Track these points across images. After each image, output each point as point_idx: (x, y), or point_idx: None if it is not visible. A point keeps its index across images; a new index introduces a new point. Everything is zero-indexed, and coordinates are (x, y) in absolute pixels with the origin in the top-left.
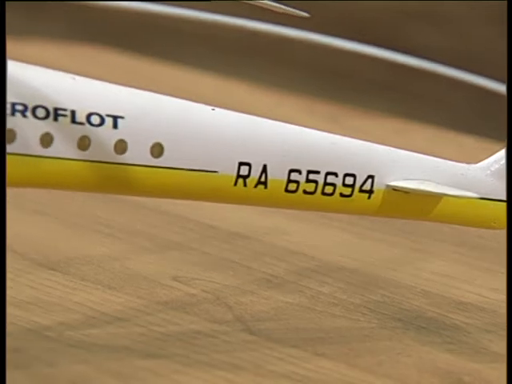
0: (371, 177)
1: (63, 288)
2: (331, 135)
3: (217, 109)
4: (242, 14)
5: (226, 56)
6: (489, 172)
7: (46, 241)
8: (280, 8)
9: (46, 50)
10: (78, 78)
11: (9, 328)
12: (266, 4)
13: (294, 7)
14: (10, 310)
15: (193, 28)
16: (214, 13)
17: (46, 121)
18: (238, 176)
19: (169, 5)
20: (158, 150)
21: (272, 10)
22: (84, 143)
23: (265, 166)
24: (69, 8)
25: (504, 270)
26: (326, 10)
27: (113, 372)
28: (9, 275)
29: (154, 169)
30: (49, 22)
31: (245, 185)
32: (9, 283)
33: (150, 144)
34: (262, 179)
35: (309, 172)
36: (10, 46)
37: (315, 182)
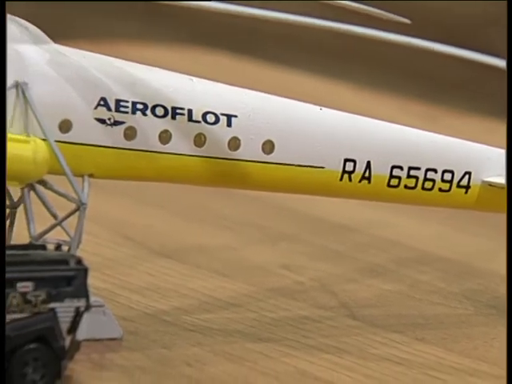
0: (468, 173)
1: (179, 275)
2: (429, 133)
3: (324, 108)
4: (345, 19)
5: (329, 59)
6: None
7: (164, 231)
8: (384, 15)
9: (164, 52)
10: (195, 79)
11: (128, 312)
12: (372, 11)
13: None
14: (129, 296)
15: (299, 33)
16: (318, 18)
17: (165, 119)
18: (344, 171)
19: (278, 10)
20: (269, 146)
21: (376, 17)
22: (200, 140)
23: (369, 163)
24: (183, 13)
25: None
26: (423, 14)
27: (225, 354)
28: (128, 263)
29: (266, 164)
30: (165, 28)
31: (350, 180)
32: (128, 270)
33: (262, 141)
34: (366, 175)
35: (410, 168)
36: (132, 49)
37: (416, 177)
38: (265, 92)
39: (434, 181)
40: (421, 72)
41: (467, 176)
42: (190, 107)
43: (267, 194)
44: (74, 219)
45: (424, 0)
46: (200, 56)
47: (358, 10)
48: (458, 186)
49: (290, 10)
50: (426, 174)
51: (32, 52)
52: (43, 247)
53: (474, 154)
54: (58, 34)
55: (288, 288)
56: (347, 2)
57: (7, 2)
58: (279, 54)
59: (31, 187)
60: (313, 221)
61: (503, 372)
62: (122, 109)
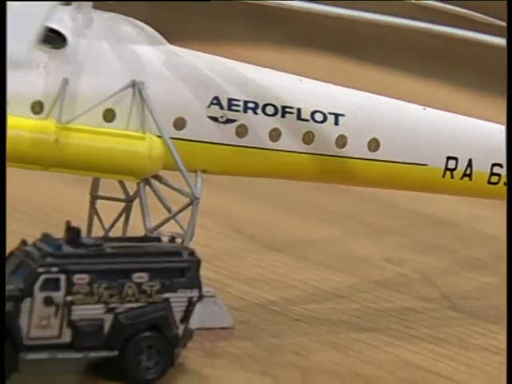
0: None
1: (287, 267)
2: None
3: (427, 108)
4: (436, 19)
5: (428, 62)
6: None
7: (273, 225)
8: (484, 19)
9: (273, 54)
10: (304, 79)
11: (238, 302)
12: (471, 15)
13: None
14: (239, 286)
15: (399, 35)
16: (418, 20)
17: (275, 117)
18: (446, 169)
19: (377, 12)
20: (374, 144)
21: (475, 21)
22: (308, 138)
23: (470, 160)
24: (291, 17)
25: None
26: None
27: (331, 343)
28: (239, 255)
29: (371, 161)
30: (275, 31)
31: (452, 177)
32: (239, 262)
33: (368, 139)
34: (468, 172)
35: None
36: (243, 51)
37: None
38: (366, 91)
39: None
40: None
41: None
42: (299, 106)
43: (371, 190)
44: (186, 213)
45: None
46: (306, 57)
47: (461, 14)
48: None
49: (385, 11)
50: None
51: (148, 52)
52: (158, 239)
53: None
54: (172, 35)
55: (391, 280)
56: (444, 5)
57: (123, 4)
58: (374, 54)
59: (147, 182)
60: (415, 216)
61: None
62: (234, 107)
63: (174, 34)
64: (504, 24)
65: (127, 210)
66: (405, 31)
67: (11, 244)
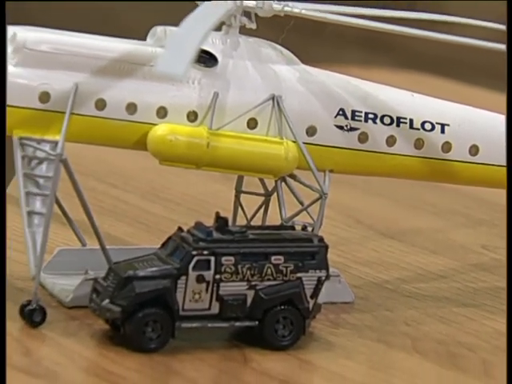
0: None
1: (399, 252)
2: None
3: None
4: None
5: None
6: None
7: (387, 216)
8: None
9: (385, 75)
10: (414, 94)
11: (358, 281)
12: None
13: None
14: (359, 268)
15: (486, 59)
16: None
17: (391, 126)
18: None
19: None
20: (474, 150)
21: None
22: (419, 144)
23: None
24: (398, 43)
25: None
26: None
27: (436, 316)
28: (358, 241)
29: (471, 164)
30: (385, 55)
31: None
32: (358, 248)
33: (469, 145)
34: None
35: None
36: (359, 73)
37: None
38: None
39: None
40: None
41: None
42: (411, 117)
43: (467, 187)
44: (315, 206)
45: None
46: (411, 78)
47: None
48: None
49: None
50: None
51: (285, 71)
52: (292, 228)
53: None
54: (299, 58)
55: (486, 264)
56: None
57: (261, 30)
58: (466, 74)
59: (283, 179)
60: (502, 209)
61: None
62: (357, 118)
63: (299, 57)
64: None
65: (266, 203)
66: (492, 54)
67: (169, 230)
